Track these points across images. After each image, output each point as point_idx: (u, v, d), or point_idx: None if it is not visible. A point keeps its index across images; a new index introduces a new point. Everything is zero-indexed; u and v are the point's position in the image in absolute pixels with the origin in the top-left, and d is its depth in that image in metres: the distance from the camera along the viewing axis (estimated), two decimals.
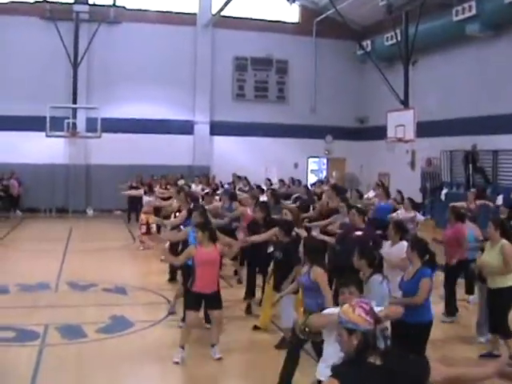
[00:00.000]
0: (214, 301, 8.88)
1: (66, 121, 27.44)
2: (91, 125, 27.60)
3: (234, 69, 32.37)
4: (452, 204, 14.99)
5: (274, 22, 32.73)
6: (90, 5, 29.98)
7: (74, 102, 28.82)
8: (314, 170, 34.10)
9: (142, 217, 18.71)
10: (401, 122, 24.10)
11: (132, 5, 30.74)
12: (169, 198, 17.53)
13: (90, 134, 27.76)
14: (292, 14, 33.30)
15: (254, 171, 27.39)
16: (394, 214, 14.99)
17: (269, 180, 23.77)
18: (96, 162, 29.66)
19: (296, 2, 32.62)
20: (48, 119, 26.03)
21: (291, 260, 9.41)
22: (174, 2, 31.49)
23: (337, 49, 32.47)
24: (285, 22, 33.09)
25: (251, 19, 32.08)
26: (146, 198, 19.14)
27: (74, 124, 27.80)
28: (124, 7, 30.14)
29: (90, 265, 15.92)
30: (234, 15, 31.23)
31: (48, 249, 18.67)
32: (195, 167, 30.64)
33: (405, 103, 25.48)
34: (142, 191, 20.45)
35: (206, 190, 20.13)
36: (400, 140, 24.44)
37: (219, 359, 8.74)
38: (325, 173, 33.74)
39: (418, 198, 26.25)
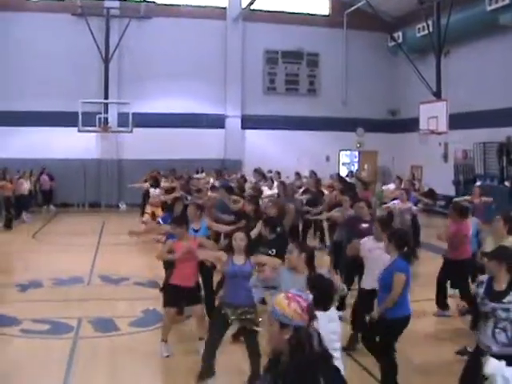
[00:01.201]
0: (193, 295, 8.78)
1: (98, 116, 27.66)
2: (123, 120, 27.70)
3: (265, 62, 32.28)
4: (455, 200, 14.93)
5: (304, 14, 32.58)
6: (120, 0, 30.14)
7: (106, 97, 29.01)
8: (345, 163, 33.92)
9: (148, 208, 18.81)
10: (433, 114, 23.88)
11: (162, 0, 30.78)
12: (173, 191, 17.64)
13: (121, 129, 27.87)
14: (322, 7, 33.12)
15: (286, 164, 27.31)
16: (390, 204, 15.10)
17: (278, 173, 23.70)
18: (128, 157, 29.82)
19: None
20: (80, 115, 26.20)
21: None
22: None
23: (368, 41, 32.21)
24: (315, 15, 32.93)
25: (281, 12, 31.98)
26: (152, 191, 19.27)
27: (106, 119, 27.97)
28: (154, 2, 30.25)
29: (122, 259, 16.01)
30: (263, 8, 31.20)
31: (81, 243, 18.84)
32: (227, 161, 30.65)
33: (437, 95, 25.25)
34: (147, 184, 20.64)
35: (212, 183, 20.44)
36: (433, 132, 24.23)
37: None
38: (356, 166, 33.59)
39: (451, 191, 26.07)
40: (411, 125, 27.67)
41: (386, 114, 33.37)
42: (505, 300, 5.98)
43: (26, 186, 24.50)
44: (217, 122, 31.23)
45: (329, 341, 4.84)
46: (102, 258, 16.12)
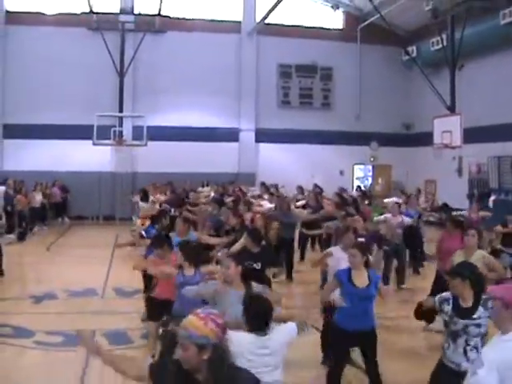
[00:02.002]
0: (169, 310, 8.57)
1: (113, 129, 27.83)
2: (137, 133, 27.85)
3: (279, 76, 32.36)
4: (451, 213, 14.93)
5: (318, 28, 32.68)
6: (135, 14, 30.38)
7: (121, 110, 29.18)
8: (359, 177, 33.87)
9: (138, 222, 18.65)
10: (447, 128, 23.85)
11: (177, 14, 30.99)
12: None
13: (136, 142, 27.99)
14: (336, 21, 33.21)
15: (300, 178, 27.34)
16: (382, 218, 14.99)
17: (276, 186, 23.72)
18: (142, 170, 29.88)
19: (340, 9, 32.53)
20: (95, 128, 26.35)
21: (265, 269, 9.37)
22: (219, 11, 31.64)
23: (382, 55, 32.26)
24: (329, 29, 33.03)
25: (295, 26, 32.09)
26: (141, 204, 19.24)
27: (121, 132, 28.13)
28: (169, 16, 30.39)
29: (135, 271, 15.99)
30: (278, 22, 31.31)
31: (95, 255, 18.87)
32: (241, 175, 30.67)
33: (451, 109, 25.25)
34: (137, 197, 20.64)
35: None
36: (447, 146, 24.19)
37: None
38: (370, 180, 33.53)
39: (466, 205, 25.94)
40: (425, 139, 27.63)
41: (400, 127, 33.33)
42: (475, 316, 5.95)
43: (38, 198, 24.57)
44: (231, 135, 31.30)
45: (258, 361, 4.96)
46: (115, 271, 16.17)
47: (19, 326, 10.59)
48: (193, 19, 31.14)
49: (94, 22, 29.12)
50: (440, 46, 26.64)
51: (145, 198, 19.89)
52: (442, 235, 11.92)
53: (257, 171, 31.36)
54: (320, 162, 31.18)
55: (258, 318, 5.26)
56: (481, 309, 5.97)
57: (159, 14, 28.88)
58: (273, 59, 31.82)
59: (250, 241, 9.65)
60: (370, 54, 32.36)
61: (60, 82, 29.08)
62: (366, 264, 7.63)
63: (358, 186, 30.21)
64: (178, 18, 30.98)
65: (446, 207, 20.95)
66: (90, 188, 28.92)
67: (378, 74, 32.48)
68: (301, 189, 23.56)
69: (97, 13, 28.82)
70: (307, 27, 32.36)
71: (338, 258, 8.87)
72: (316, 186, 24.56)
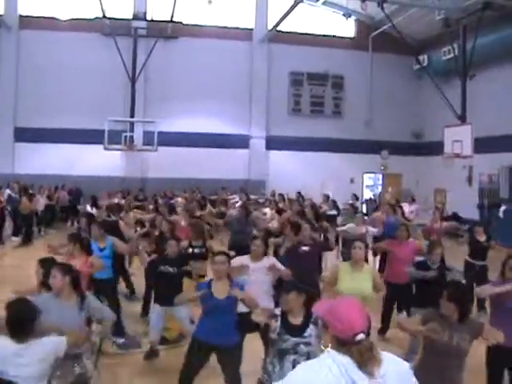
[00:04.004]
0: None
1: (124, 134, 27.91)
2: (148, 138, 27.91)
3: (290, 84, 32.41)
4: (404, 222, 14.53)
5: (329, 36, 32.75)
6: (148, 20, 30.51)
7: (132, 115, 29.29)
8: (369, 186, 33.86)
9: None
10: (458, 138, 23.79)
11: (189, 20, 31.08)
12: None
13: (146, 148, 28.04)
14: (348, 29, 33.24)
15: (310, 186, 27.37)
16: (344, 228, 14.47)
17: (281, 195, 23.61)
18: (152, 176, 29.96)
19: (352, 17, 32.53)
20: (106, 132, 26.48)
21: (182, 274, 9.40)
22: (231, 18, 31.74)
23: (393, 63, 32.28)
24: (341, 37, 33.09)
25: (307, 34, 32.17)
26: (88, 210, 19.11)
27: (132, 137, 28.20)
28: (181, 23, 30.48)
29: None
30: (289, 30, 31.39)
31: None
32: (251, 182, 30.71)
33: (462, 118, 25.22)
34: (88, 205, 20.45)
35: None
36: (457, 156, 24.13)
37: None
38: (380, 188, 33.49)
39: (476, 215, 25.91)
40: (436, 148, 27.63)
41: (411, 136, 33.32)
42: (305, 334, 5.72)
43: (42, 202, 24.52)
44: (241, 142, 31.37)
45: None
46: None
47: None
48: (205, 26, 31.27)
49: (107, 27, 29.27)
50: (451, 55, 26.62)
51: (94, 205, 19.74)
52: (390, 242, 11.55)
53: (267, 178, 31.37)
54: (330, 170, 31.17)
55: (13, 324, 4.96)
56: (311, 326, 5.75)
57: (172, 21, 28.99)
58: (284, 67, 31.89)
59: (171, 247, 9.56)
60: (381, 62, 32.37)
61: (72, 86, 29.29)
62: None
63: (380, 194, 30.01)
64: (191, 25, 31.08)
65: (456, 217, 20.95)
66: (101, 192, 28.91)
67: (389, 82, 32.50)
68: (327, 197, 23.14)
69: (110, 18, 28.98)
70: (319, 35, 32.43)
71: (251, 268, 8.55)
72: (299, 194, 24.31)
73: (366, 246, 13.42)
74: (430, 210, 19.63)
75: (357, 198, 25.41)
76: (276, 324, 5.78)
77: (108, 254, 10.29)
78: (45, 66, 29.14)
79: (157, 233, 12.61)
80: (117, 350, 9.86)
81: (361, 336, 3.29)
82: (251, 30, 31.94)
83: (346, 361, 3.25)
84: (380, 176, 33.94)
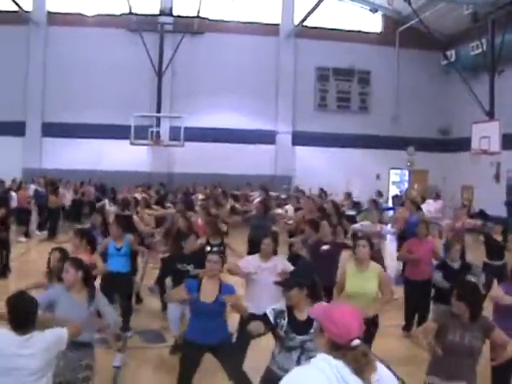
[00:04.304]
0: None
1: (150, 129, 28.08)
2: (174, 133, 28.00)
3: (316, 79, 32.33)
4: (423, 218, 14.26)
5: (356, 32, 32.61)
6: (174, 16, 30.59)
7: (158, 111, 29.44)
8: (395, 182, 33.69)
9: None
10: (486, 134, 23.61)
11: (215, 16, 31.11)
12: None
13: (173, 143, 28.15)
14: (375, 24, 33.08)
15: (336, 182, 27.31)
16: (358, 226, 13.99)
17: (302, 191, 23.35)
18: (178, 171, 30.06)
19: (379, 12, 32.38)
20: (133, 128, 26.64)
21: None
22: (257, 13, 31.71)
23: (420, 59, 32.03)
24: (367, 32, 32.92)
25: (333, 29, 32.04)
26: (107, 207, 19.04)
27: (158, 133, 28.33)
28: (207, 18, 30.51)
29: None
30: (316, 25, 31.28)
31: None
32: (277, 177, 30.68)
33: (490, 114, 25.02)
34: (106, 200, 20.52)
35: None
36: (485, 152, 23.93)
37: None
38: (406, 185, 33.29)
39: (503, 213, 25.67)
40: (463, 144, 27.40)
41: (438, 133, 33.07)
42: (311, 330, 5.53)
43: (68, 196, 24.65)
44: (268, 137, 31.35)
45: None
46: (150, 270, 16.24)
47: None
48: (231, 21, 31.27)
49: (134, 23, 29.44)
50: (480, 50, 26.40)
51: (113, 199, 19.72)
52: (410, 242, 11.35)
53: (293, 174, 31.34)
54: (356, 165, 31.05)
55: (15, 316, 4.93)
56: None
57: (198, 16, 29.06)
58: (310, 62, 31.80)
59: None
60: (408, 57, 32.13)
61: (99, 82, 29.46)
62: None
63: (406, 189, 29.79)
64: (217, 20, 31.11)
65: (482, 214, 20.70)
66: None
67: (416, 78, 32.26)
68: (348, 195, 23.00)
69: (136, 14, 29.14)
70: (345, 30, 32.29)
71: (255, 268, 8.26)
72: (322, 190, 24.10)
73: (371, 245, 13.31)
74: (456, 207, 19.37)
75: (381, 195, 25.24)
76: (283, 321, 5.66)
77: (125, 252, 10.23)
78: (72, 61, 29.32)
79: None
80: (142, 343, 9.91)
81: (356, 341, 3.26)
82: (277, 25, 31.89)
83: (341, 366, 3.20)
84: (406, 172, 33.73)
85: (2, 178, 23.00)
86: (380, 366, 3.44)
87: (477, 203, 26.97)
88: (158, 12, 30.72)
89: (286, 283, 5.83)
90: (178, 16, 30.64)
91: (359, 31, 32.77)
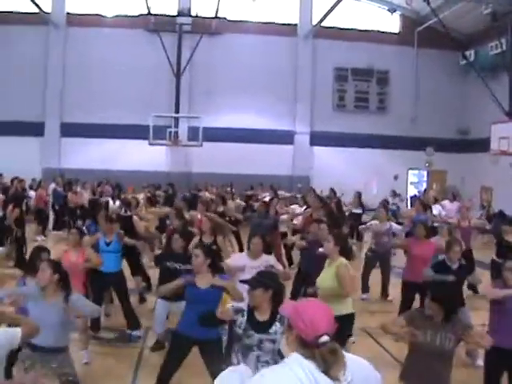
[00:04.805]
0: None
1: (169, 130, 28.12)
2: (193, 134, 28.06)
3: (335, 79, 32.28)
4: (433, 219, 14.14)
5: (374, 32, 32.48)
6: (192, 16, 30.63)
7: (177, 111, 29.52)
8: (414, 183, 33.55)
9: None
10: (505, 134, 23.43)
11: (233, 16, 31.13)
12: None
13: (191, 143, 28.22)
14: (393, 24, 32.96)
15: (354, 182, 27.21)
16: (368, 225, 14.25)
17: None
18: (197, 171, 30.10)
19: (397, 12, 32.28)
20: (151, 128, 26.71)
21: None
22: (275, 13, 31.70)
23: (439, 59, 31.88)
24: (385, 32, 32.80)
25: (352, 29, 31.95)
26: (111, 204, 19.01)
27: (176, 133, 28.38)
28: (225, 18, 30.50)
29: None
30: (334, 25, 31.23)
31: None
32: (295, 177, 30.63)
33: (510, 114, 24.87)
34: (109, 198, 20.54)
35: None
36: (504, 153, 23.77)
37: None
38: (425, 185, 33.14)
39: None
40: (482, 145, 27.21)
41: (457, 133, 32.87)
42: (271, 331, 5.53)
43: (85, 196, 24.72)
44: (286, 138, 31.34)
45: None
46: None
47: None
48: (249, 21, 31.28)
49: (152, 23, 29.55)
50: (499, 50, 26.26)
51: (118, 197, 19.71)
52: (410, 242, 11.45)
53: (311, 174, 31.30)
54: (374, 166, 30.92)
55: None
56: (277, 324, 5.55)
57: (216, 16, 29.08)
58: (329, 62, 31.74)
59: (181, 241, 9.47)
60: (426, 57, 32.00)
61: (117, 82, 29.58)
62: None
63: (424, 190, 29.61)
64: (235, 21, 31.12)
65: (502, 215, 20.59)
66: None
67: (434, 78, 32.11)
68: (358, 194, 22.86)
69: (154, 15, 29.23)
70: (364, 30, 32.17)
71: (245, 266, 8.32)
72: (332, 190, 23.88)
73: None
74: (474, 207, 19.18)
75: (396, 195, 25.15)
76: (242, 319, 5.66)
77: (114, 248, 10.25)
78: (90, 62, 29.51)
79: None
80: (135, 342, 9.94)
81: (325, 338, 3.17)
82: (295, 25, 31.87)
83: (312, 366, 3.13)
84: (425, 173, 33.59)
85: (22, 177, 23.12)
86: (361, 366, 3.41)
87: (496, 204, 26.86)
88: (176, 12, 30.77)
89: (252, 282, 5.78)
90: (196, 16, 30.67)
91: (377, 31, 32.64)
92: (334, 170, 30.34)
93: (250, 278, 5.99)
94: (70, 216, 22.29)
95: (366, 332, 10.50)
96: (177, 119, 29.06)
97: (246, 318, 5.66)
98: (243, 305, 5.86)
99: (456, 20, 28.58)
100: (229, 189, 25.06)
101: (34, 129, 29.46)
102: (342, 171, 30.24)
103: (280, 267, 8.41)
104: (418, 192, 30.58)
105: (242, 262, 8.25)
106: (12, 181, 22.51)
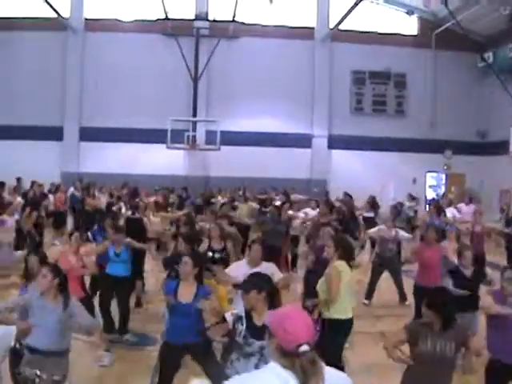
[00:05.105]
0: None
1: (186, 134, 28.18)
2: (210, 137, 28.17)
3: (352, 82, 32.21)
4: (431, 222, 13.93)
5: (391, 34, 32.40)
6: (209, 21, 30.71)
7: (194, 115, 29.57)
8: (432, 186, 33.38)
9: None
10: None
11: (250, 20, 31.17)
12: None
13: (209, 147, 28.29)
14: (410, 27, 32.86)
15: (372, 185, 27.12)
16: (375, 229, 13.94)
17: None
18: (215, 174, 30.14)
19: (415, 14, 32.19)
20: (169, 132, 26.80)
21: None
22: (292, 17, 31.70)
23: (457, 61, 31.74)
24: (403, 35, 32.69)
25: (369, 32, 31.87)
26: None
27: (194, 137, 28.45)
28: (243, 22, 30.56)
29: None
30: (351, 29, 31.15)
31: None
32: (313, 181, 30.63)
33: None
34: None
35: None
36: None
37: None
38: (443, 188, 32.97)
39: None
40: (501, 147, 27.07)
41: (475, 135, 32.64)
42: None
43: (103, 200, 24.75)
44: (303, 141, 31.32)
45: None
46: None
47: None
48: (267, 25, 31.30)
49: (169, 28, 29.63)
50: None
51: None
52: (419, 246, 11.35)
53: (329, 178, 31.25)
54: (392, 169, 30.84)
55: None
56: None
57: (233, 20, 29.11)
58: (346, 65, 31.68)
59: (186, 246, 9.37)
60: (444, 60, 31.85)
61: (135, 86, 29.76)
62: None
63: (443, 194, 29.42)
64: (252, 24, 31.17)
65: None
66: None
67: (452, 80, 31.95)
68: (372, 198, 22.68)
69: (172, 19, 29.27)
70: (381, 33, 32.11)
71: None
72: (347, 194, 23.73)
73: (399, 251, 13.00)
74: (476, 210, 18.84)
75: (413, 198, 25.01)
76: (242, 327, 5.60)
77: (123, 258, 10.28)
78: (108, 67, 29.70)
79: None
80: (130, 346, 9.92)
81: (304, 347, 3.14)
82: (313, 28, 31.85)
83: (289, 377, 3.10)
84: (443, 176, 33.42)
85: (42, 181, 23.21)
86: (338, 379, 3.38)
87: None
88: (193, 17, 30.87)
89: (244, 285, 5.76)
90: (214, 20, 30.75)
91: (395, 34, 32.55)
92: (352, 173, 30.30)
93: (243, 282, 5.98)
94: (85, 220, 22.35)
95: (371, 335, 10.47)
96: (194, 123, 29.12)
97: (245, 325, 5.61)
98: (240, 310, 5.78)
99: (474, 22, 28.48)
100: (241, 192, 24.93)
101: (54, 133, 29.75)
102: (360, 174, 30.17)
103: (280, 275, 8.28)
104: (437, 195, 30.47)
105: (242, 270, 8.06)
106: (32, 185, 22.62)
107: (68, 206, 22.97)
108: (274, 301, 5.59)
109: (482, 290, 7.61)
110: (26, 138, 28.92)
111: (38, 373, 5.95)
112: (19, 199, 18.24)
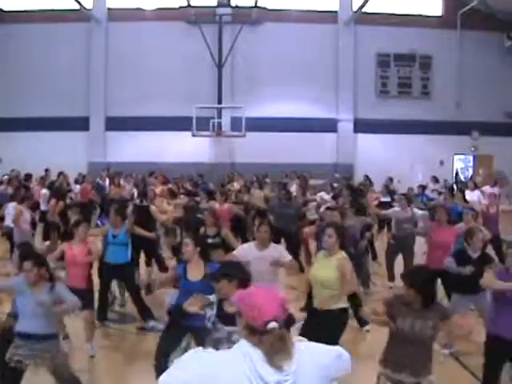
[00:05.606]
0: (82, 299, 7.52)
1: (212, 121, 28.28)
2: (236, 124, 28.20)
3: (377, 65, 32.00)
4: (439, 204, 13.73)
5: (416, 16, 32.04)
6: (232, 7, 30.68)
7: (219, 102, 29.64)
8: (460, 168, 33.09)
9: None
10: None
11: (273, 5, 31.06)
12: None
13: (234, 133, 28.34)
14: (435, 7, 32.47)
15: (399, 168, 27.00)
16: (390, 211, 13.63)
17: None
18: (240, 161, 30.13)
19: None
20: (194, 119, 26.90)
21: None
22: (315, 1, 31.50)
23: (483, 41, 31.30)
24: (428, 16, 32.31)
25: (393, 14, 31.56)
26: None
27: (219, 124, 28.52)
28: (265, 8, 30.50)
29: None
30: (375, 11, 30.89)
31: None
32: (339, 165, 30.48)
33: None
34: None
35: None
36: None
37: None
38: (471, 170, 32.69)
39: None
40: None
41: (503, 116, 32.25)
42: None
43: (128, 189, 24.75)
44: (329, 126, 31.19)
45: None
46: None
47: (127, 313, 11.06)
48: (289, 10, 31.08)
49: (192, 15, 29.66)
50: None
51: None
52: (432, 225, 11.13)
53: (355, 162, 31.13)
54: (419, 152, 30.63)
55: None
56: None
57: (256, 6, 29.05)
58: (370, 48, 31.46)
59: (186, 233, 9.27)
60: (470, 40, 31.45)
61: (159, 75, 29.86)
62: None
63: (471, 176, 29.20)
64: (275, 10, 31.04)
65: None
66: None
67: (479, 60, 31.53)
68: (390, 180, 22.52)
69: (194, 6, 29.28)
70: (405, 15, 31.76)
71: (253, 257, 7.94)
72: (366, 177, 23.53)
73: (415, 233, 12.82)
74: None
75: (437, 181, 24.83)
76: (211, 312, 5.58)
77: (121, 241, 10.29)
78: (132, 56, 29.83)
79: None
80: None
81: (272, 324, 3.08)
82: (336, 12, 31.62)
83: (255, 355, 3.06)
84: (471, 158, 33.11)
85: (69, 171, 23.40)
86: (310, 353, 3.27)
87: None
88: (215, 3, 30.85)
89: (214, 274, 5.73)
90: (236, 6, 30.71)
91: (419, 15, 32.20)
92: (379, 156, 30.12)
93: (213, 271, 6.00)
94: (108, 209, 22.43)
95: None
96: (219, 110, 29.17)
97: (215, 311, 5.59)
98: (213, 297, 5.76)
99: (500, 0, 28.09)
100: (255, 178, 24.66)
101: (80, 124, 30.01)
102: (387, 158, 29.97)
103: (288, 257, 8.18)
104: (464, 178, 30.19)
105: (249, 253, 8.01)
106: (58, 176, 22.80)
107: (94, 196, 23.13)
108: (247, 288, 5.53)
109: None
110: (54, 129, 29.25)
111: (26, 357, 6.19)
112: (44, 191, 18.37)
